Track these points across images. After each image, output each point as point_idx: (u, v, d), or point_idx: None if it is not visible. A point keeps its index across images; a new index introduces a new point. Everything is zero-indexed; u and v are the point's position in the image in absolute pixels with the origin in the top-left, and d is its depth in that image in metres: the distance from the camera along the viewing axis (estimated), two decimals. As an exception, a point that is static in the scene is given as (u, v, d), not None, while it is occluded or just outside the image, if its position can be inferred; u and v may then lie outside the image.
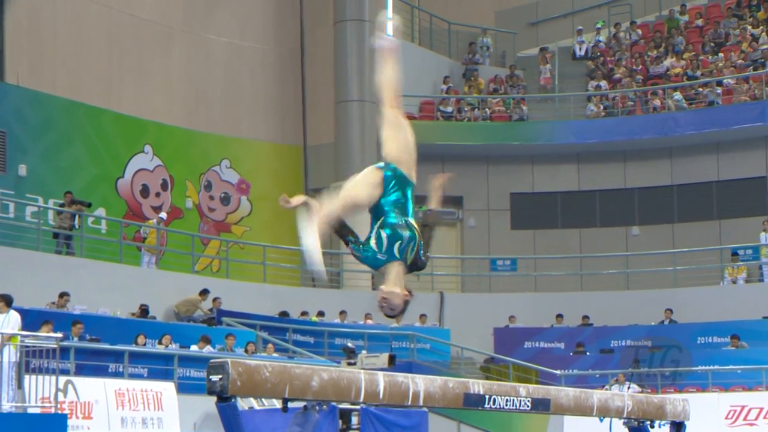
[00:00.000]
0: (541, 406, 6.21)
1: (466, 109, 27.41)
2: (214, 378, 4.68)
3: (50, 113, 22.04)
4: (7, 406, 12.13)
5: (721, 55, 27.05)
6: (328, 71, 26.11)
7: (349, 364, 15.41)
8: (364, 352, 16.77)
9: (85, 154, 22.65)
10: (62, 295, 17.34)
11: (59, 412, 12.66)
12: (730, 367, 19.59)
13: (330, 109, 25.83)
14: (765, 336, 20.81)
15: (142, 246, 21.25)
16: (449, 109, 27.29)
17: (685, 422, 7.35)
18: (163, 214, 22.44)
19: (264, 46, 26.34)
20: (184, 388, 15.81)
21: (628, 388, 18.37)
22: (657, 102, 26.13)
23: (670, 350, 20.46)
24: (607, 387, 18.67)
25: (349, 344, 18.24)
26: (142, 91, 23.99)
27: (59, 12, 22.58)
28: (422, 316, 23.46)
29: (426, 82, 28.22)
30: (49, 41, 22.36)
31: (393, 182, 5.26)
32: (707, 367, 19.46)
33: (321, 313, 22.28)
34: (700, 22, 29.26)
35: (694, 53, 27.68)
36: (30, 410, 12.33)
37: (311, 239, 5.00)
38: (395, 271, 5.13)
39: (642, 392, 17.34)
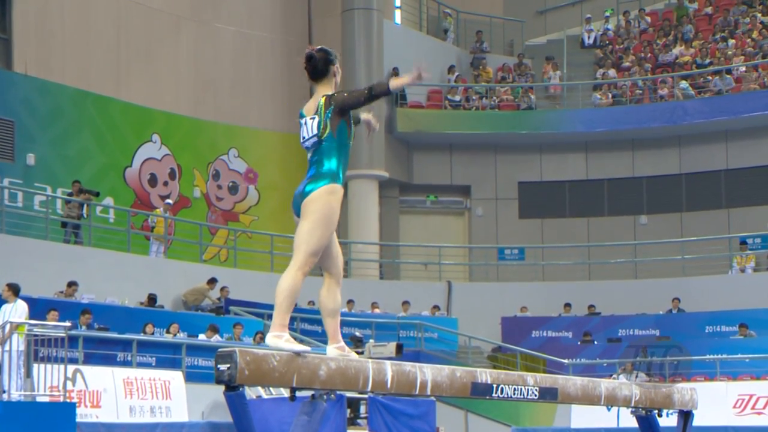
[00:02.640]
0: (548, 395, 6.21)
1: (474, 97, 27.36)
2: (222, 367, 4.68)
3: (58, 102, 22.07)
4: (16, 395, 12.18)
5: (730, 42, 26.94)
6: (336, 60, 26.06)
7: (357, 353, 15.41)
8: (371, 341, 16.79)
9: (93, 143, 22.67)
10: (71, 284, 17.38)
11: (68, 400, 12.71)
12: (739, 356, 19.55)
13: (338, 98, 25.77)
14: (773, 325, 20.77)
15: (150, 235, 21.29)
16: (457, 97, 27.25)
17: (693, 411, 7.34)
18: (170, 201, 22.46)
19: (272, 35, 26.31)
20: (192, 377, 15.86)
21: (636, 377, 18.37)
22: (665, 90, 26.05)
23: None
24: (614, 376, 18.67)
25: (357, 333, 18.27)
26: (150, 81, 23.99)
27: (67, 1, 22.58)
28: (434, 307, 23.47)
29: (434, 71, 28.16)
30: (57, 30, 22.36)
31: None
32: (715, 356, 19.43)
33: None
34: (709, 9, 29.13)
35: (703, 41, 27.57)
36: (39, 399, 12.38)
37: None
38: None
39: (650, 381, 17.34)
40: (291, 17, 26.68)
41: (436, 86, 27.68)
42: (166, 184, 24.08)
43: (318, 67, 5.55)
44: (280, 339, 5.14)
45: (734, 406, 17.97)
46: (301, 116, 5.56)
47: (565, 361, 20.36)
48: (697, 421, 7.52)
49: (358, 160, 25.49)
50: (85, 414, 13.84)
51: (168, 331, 17.50)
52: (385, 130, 26.13)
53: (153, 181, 23.85)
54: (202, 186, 24.86)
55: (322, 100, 5.46)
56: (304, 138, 5.51)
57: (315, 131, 5.43)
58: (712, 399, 16.70)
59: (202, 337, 17.66)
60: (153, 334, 17.07)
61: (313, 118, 5.46)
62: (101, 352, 15.48)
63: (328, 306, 5.48)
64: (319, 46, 5.62)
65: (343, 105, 5.39)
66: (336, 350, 5.37)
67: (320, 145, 5.41)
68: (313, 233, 5.29)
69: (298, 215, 5.41)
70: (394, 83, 5.36)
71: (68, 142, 22.17)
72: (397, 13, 28.97)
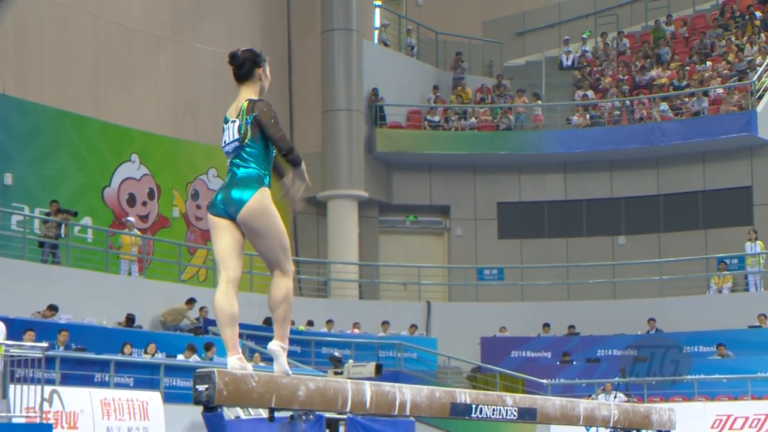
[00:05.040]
0: (527, 415, 6.22)
1: (453, 118, 27.46)
2: (201, 387, 4.67)
3: (37, 122, 21.97)
4: (-8, 416, 12.07)
5: (707, 64, 27.20)
6: (316, 80, 26.14)
7: (336, 373, 15.38)
8: (350, 361, 16.73)
9: (71, 163, 22.58)
10: (51, 308, 17.25)
11: (44, 422, 12.60)
12: (716, 376, 19.65)
13: (317, 118, 25.84)
14: (750, 345, 20.89)
15: (117, 252, 21.08)
16: (437, 118, 27.34)
17: (671, 431, 7.37)
18: (130, 218, 22.05)
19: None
20: (170, 397, 15.76)
21: (615, 397, 18.41)
22: (643, 112, 26.23)
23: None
24: (593, 396, 18.70)
25: (336, 353, 18.22)
26: (130, 100, 23.95)
27: (46, 20, 22.53)
28: (412, 326, 23.46)
29: (413, 92, 28.28)
30: (36, 50, 22.30)
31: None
32: (693, 377, 19.51)
33: (310, 323, 22.26)
34: (684, 30, 29.42)
35: (680, 63, 27.81)
36: (15, 420, 12.25)
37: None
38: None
39: (628, 401, 17.37)
40: (270, 38, 26.71)
41: (416, 107, 27.77)
42: (144, 204, 24.01)
43: (243, 68, 5.37)
44: (285, 352, 5.18)
45: (712, 427, 18.05)
46: (225, 120, 5.38)
47: (544, 381, 20.39)
48: (675, 441, 7.55)
49: (337, 180, 25.53)
50: (61, 435, 13.72)
51: (146, 352, 17.41)
52: (365, 150, 26.18)
53: (132, 200, 23.77)
54: (181, 206, 24.79)
55: (245, 104, 5.30)
56: (225, 142, 5.31)
57: (236, 135, 5.26)
58: (689, 419, 16.77)
59: (180, 357, 17.57)
60: (131, 354, 16.97)
61: (234, 122, 5.30)
62: (78, 373, 15.37)
63: (234, 311, 5.15)
64: (247, 47, 5.44)
65: (263, 126, 5.24)
66: (239, 361, 5.12)
67: (242, 150, 5.25)
68: (282, 242, 5.26)
69: (219, 216, 5.23)
70: (302, 167, 5.29)
71: (46, 162, 22.07)
72: (377, 34, 29.07)
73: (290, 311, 5.28)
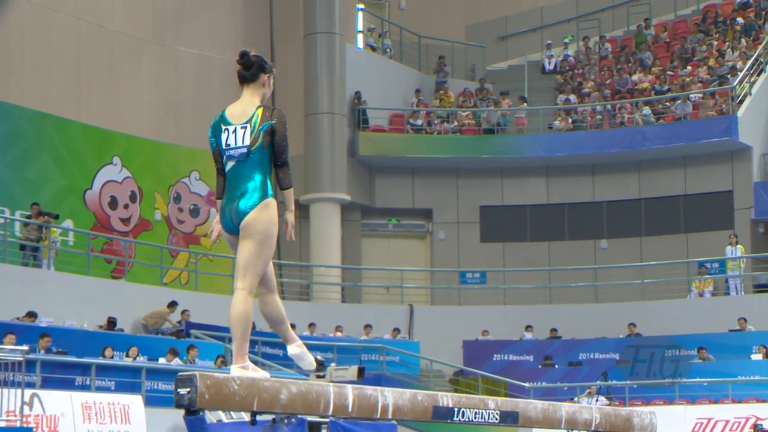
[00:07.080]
0: (509, 418, 6.23)
1: (436, 121, 27.49)
2: (182, 391, 4.65)
3: (18, 124, 21.87)
4: (-28, 420, 12.01)
5: (688, 68, 27.33)
6: (298, 84, 26.12)
7: (318, 376, 15.37)
8: (333, 364, 16.74)
9: (52, 166, 22.48)
10: (30, 314, 17.16)
11: (25, 425, 12.54)
12: (697, 379, 19.73)
13: (300, 121, 25.81)
14: (731, 349, 21.00)
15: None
16: (419, 121, 27.36)
17: (652, 435, 7.40)
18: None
19: (234, 58, 26.22)
20: (151, 401, 15.71)
21: (596, 400, 18.46)
22: (625, 116, 26.33)
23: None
24: (577, 399, 18.76)
25: (318, 357, 18.17)
26: (111, 103, 23.86)
27: (27, 22, 22.43)
28: (395, 330, 23.46)
29: (396, 95, 28.30)
30: (16, 52, 22.20)
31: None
32: (674, 380, 19.60)
33: (293, 326, 22.20)
34: (665, 35, 29.55)
35: (661, 68, 27.93)
36: (-5, 424, 12.21)
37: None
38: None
39: (610, 405, 17.44)
40: (253, 41, 26.66)
41: (398, 110, 27.79)
42: (126, 206, 23.93)
43: (249, 69, 5.39)
44: (246, 370, 5.16)
45: (693, 430, 18.12)
46: (225, 121, 5.34)
47: (527, 384, 20.43)
48: (657, 444, 7.58)
49: (319, 184, 25.52)
50: (42, 439, 13.65)
51: (127, 355, 17.35)
52: (347, 153, 26.18)
53: (113, 203, 23.69)
54: (163, 209, 24.72)
55: (259, 111, 5.27)
56: (229, 146, 5.28)
57: (246, 142, 5.24)
58: (671, 423, 16.84)
59: (162, 360, 17.52)
60: (112, 357, 16.91)
61: (244, 127, 5.26)
62: (59, 376, 15.29)
63: (274, 315, 5.38)
64: (257, 53, 5.47)
65: (277, 134, 5.22)
66: (298, 348, 5.37)
67: (248, 156, 5.23)
68: (260, 255, 5.22)
69: (230, 231, 5.29)
70: (292, 202, 5.33)
71: (27, 165, 21.97)
72: (360, 37, 29.08)
73: (249, 330, 5.25)
